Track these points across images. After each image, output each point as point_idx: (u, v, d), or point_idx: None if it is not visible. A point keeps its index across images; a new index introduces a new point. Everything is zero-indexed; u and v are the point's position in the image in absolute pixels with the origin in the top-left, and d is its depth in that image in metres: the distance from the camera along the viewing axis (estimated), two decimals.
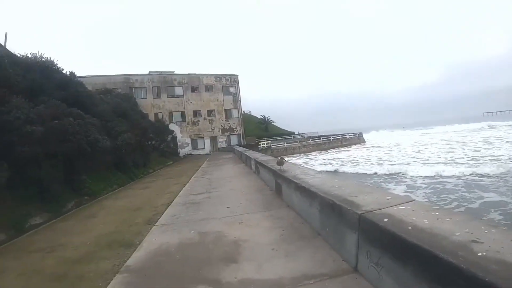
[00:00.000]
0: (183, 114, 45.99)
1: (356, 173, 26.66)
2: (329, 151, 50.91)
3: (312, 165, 32.89)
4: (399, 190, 17.53)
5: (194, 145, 45.93)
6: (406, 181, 20.21)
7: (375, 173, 24.80)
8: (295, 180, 5.67)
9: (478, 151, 32.59)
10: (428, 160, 29.72)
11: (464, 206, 13.64)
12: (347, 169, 29.10)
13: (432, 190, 17.19)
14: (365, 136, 67.44)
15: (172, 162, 30.08)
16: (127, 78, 43.16)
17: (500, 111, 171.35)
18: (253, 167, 13.13)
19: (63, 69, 17.00)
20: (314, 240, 4.17)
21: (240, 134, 49.96)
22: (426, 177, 20.64)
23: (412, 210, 2.90)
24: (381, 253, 2.65)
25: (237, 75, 50.79)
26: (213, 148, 46.83)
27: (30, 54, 15.24)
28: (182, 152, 43.01)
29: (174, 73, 47.34)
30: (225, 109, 48.90)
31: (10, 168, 9.22)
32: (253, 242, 4.46)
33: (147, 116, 35.28)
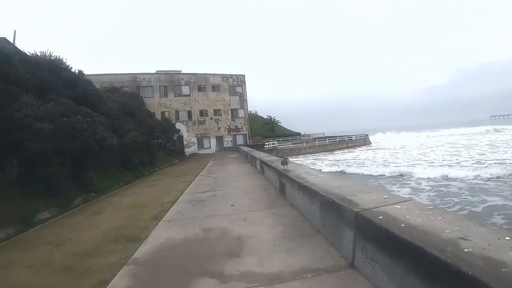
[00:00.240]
0: (189, 114, 46.24)
1: (362, 174, 26.87)
2: (334, 152, 50.86)
3: (318, 166, 33.05)
4: (403, 192, 17.58)
5: (200, 145, 46.15)
6: (410, 184, 20.24)
7: (380, 175, 24.86)
8: (297, 180, 5.82)
9: (483, 154, 32.49)
10: (433, 162, 29.67)
11: (467, 209, 13.63)
12: (352, 170, 29.23)
13: (436, 193, 17.20)
14: (371, 137, 67.25)
15: (178, 161, 30.31)
16: (134, 77, 43.46)
17: (508, 115, 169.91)
18: (258, 166, 13.27)
19: (71, 68, 17.30)
20: (315, 238, 4.31)
21: (246, 134, 50.08)
22: (430, 179, 20.67)
23: (407, 209, 3.03)
24: (375, 249, 2.79)
25: (244, 75, 50.95)
26: (219, 148, 47.01)
27: (40, 52, 15.51)
28: (188, 151, 43.25)
29: (181, 72, 47.55)
30: (231, 109, 49.07)
31: (20, 164, 9.46)
32: (255, 239, 4.63)
33: (154, 115, 35.53)
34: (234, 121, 49.24)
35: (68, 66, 16.96)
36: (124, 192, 12.79)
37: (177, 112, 45.33)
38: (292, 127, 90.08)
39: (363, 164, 33.52)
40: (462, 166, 25.72)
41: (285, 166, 7.77)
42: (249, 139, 49.76)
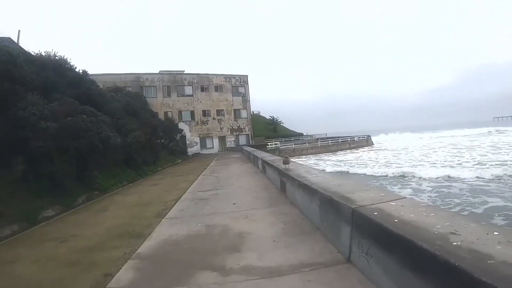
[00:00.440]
0: (192, 114, 46.41)
1: (364, 174, 27.19)
2: (337, 153, 50.99)
3: (321, 166, 33.22)
4: (404, 193, 17.61)
5: (203, 145, 46.28)
6: (411, 184, 20.34)
7: (382, 176, 24.99)
8: (298, 178, 5.94)
9: (485, 155, 32.52)
10: (435, 163, 29.69)
11: (468, 210, 13.68)
12: (355, 170, 29.61)
13: (437, 194, 17.30)
14: (374, 138, 67.27)
15: (180, 160, 30.43)
16: (137, 77, 43.65)
17: (511, 116, 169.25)
18: (260, 166, 13.38)
19: (75, 67, 17.45)
20: (314, 234, 4.43)
21: (248, 134, 50.18)
22: (432, 180, 20.75)
23: (402, 206, 3.14)
24: (370, 244, 2.91)
25: (247, 76, 51.09)
26: (222, 148, 47.14)
27: (44, 52, 15.67)
28: (190, 151, 43.42)
29: (184, 72, 47.69)
30: (234, 109, 49.21)
31: (24, 162, 9.60)
32: (256, 235, 4.76)
33: (157, 115, 35.75)
34: (236, 121, 49.38)
35: (73, 66, 17.14)
36: (127, 191, 12.92)
37: (180, 112, 45.50)
38: (294, 128, 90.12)
39: (366, 164, 33.68)
40: (464, 167, 25.78)
41: (287, 166, 7.90)
42: (251, 139, 49.86)
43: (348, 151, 52.73)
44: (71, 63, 16.94)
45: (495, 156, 31.05)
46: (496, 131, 76.65)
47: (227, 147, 46.94)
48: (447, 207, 14.25)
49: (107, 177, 13.52)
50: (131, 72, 43.78)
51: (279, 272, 3.39)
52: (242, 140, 48.87)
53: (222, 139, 48.04)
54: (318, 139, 64.33)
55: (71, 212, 9.30)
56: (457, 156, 34.20)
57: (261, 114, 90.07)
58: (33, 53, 15.25)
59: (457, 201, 15.44)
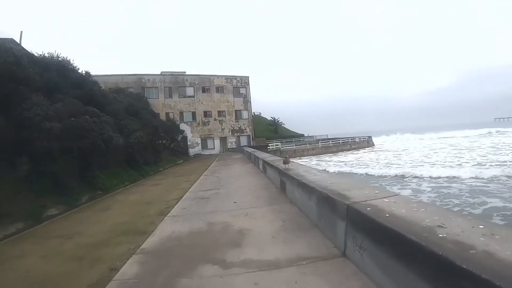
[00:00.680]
0: (193, 114, 46.61)
1: (366, 173, 27.52)
2: (338, 154, 51.11)
3: (323, 167, 33.43)
4: (403, 194, 17.71)
5: (204, 145, 46.49)
6: (411, 185, 20.43)
7: (382, 176, 25.15)
8: (297, 177, 6.11)
9: (485, 156, 32.64)
10: (434, 164, 29.80)
11: (467, 211, 13.67)
12: (355, 170, 29.83)
13: (436, 194, 17.35)
14: (374, 139, 67.37)
15: (182, 161, 30.59)
16: (139, 78, 43.88)
17: None
18: (260, 166, 13.52)
19: (78, 69, 17.59)
20: (311, 231, 4.59)
21: (249, 135, 50.37)
22: (431, 181, 20.85)
23: (394, 202, 3.29)
24: (363, 237, 3.07)
25: (248, 77, 51.29)
26: (223, 149, 47.31)
27: (48, 54, 15.83)
28: (192, 151, 43.60)
29: (186, 73, 47.93)
30: (235, 110, 49.41)
31: (29, 162, 9.76)
32: (256, 231, 4.93)
33: (158, 116, 35.84)
34: (238, 122, 49.57)
35: (75, 67, 17.27)
36: (129, 191, 13.10)
37: (181, 113, 45.71)
38: (295, 129, 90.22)
39: (366, 165, 33.88)
40: (463, 167, 25.90)
41: (286, 165, 8.06)
42: (252, 140, 50.04)
43: (349, 152, 52.82)
44: (74, 64, 17.10)
45: (495, 157, 31.14)
46: (496, 132, 76.71)
47: (228, 148, 47.13)
48: (446, 207, 14.32)
49: (109, 177, 13.68)
50: (133, 73, 44.06)
51: (277, 265, 3.56)
52: (243, 141, 49.06)
53: (223, 140, 48.22)
54: (319, 140, 64.47)
55: (74, 211, 9.46)
56: (457, 156, 34.38)
57: (262, 115, 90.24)
58: (36, 54, 15.40)
59: (456, 201, 15.48)
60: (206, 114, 47.30)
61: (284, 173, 7.58)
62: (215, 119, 47.77)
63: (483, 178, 20.16)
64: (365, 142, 62.49)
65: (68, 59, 16.67)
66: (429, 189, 18.76)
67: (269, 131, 75.67)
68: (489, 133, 76.20)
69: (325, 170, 31.36)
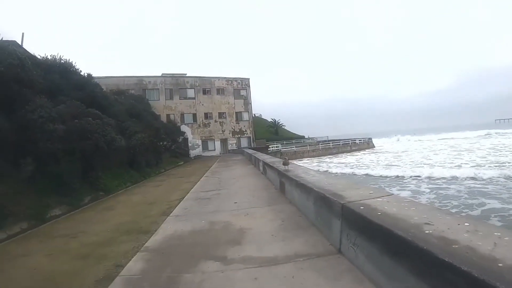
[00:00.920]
0: (194, 116, 46.79)
1: (366, 174, 27.85)
2: (338, 155, 51.27)
3: (324, 168, 33.69)
4: (403, 195, 17.83)
5: (205, 147, 46.65)
6: (410, 186, 20.57)
7: (381, 177, 25.34)
8: (295, 178, 6.29)
9: (484, 157, 32.83)
10: (434, 166, 29.97)
11: (465, 212, 13.77)
12: (355, 171, 30.14)
13: (435, 195, 17.50)
14: (375, 141, 67.58)
15: (183, 162, 30.71)
16: (140, 79, 44.10)
17: None
18: (261, 168, 13.67)
19: (80, 71, 17.78)
20: (309, 229, 4.77)
21: (250, 137, 50.52)
22: (430, 182, 21.01)
23: (387, 201, 3.47)
24: (357, 235, 3.25)
25: (248, 79, 51.50)
26: (223, 150, 47.45)
27: (50, 56, 16.04)
28: (192, 153, 43.72)
29: (186, 75, 48.11)
30: (235, 112, 49.59)
31: (33, 163, 9.91)
32: (255, 230, 5.12)
33: (159, 117, 36.02)
34: (238, 124, 49.74)
35: (77, 69, 17.46)
36: (132, 191, 13.25)
37: (182, 114, 45.87)
38: (296, 130, 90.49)
39: (367, 166, 34.14)
40: (462, 168, 26.10)
41: (286, 167, 8.23)
42: (253, 142, 50.16)
43: (349, 153, 52.99)
44: (76, 67, 17.29)
45: (494, 158, 31.36)
46: (495, 133, 76.90)
47: (228, 150, 47.28)
48: (444, 209, 14.39)
49: (111, 178, 13.83)
50: (134, 75, 44.30)
51: (275, 261, 3.74)
52: (244, 142, 49.21)
53: (224, 141, 48.38)
54: (319, 141, 64.61)
55: (77, 211, 9.59)
56: (457, 158, 34.62)
57: (262, 117, 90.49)
58: (39, 57, 15.59)
59: (455, 203, 15.58)
60: (206, 115, 47.47)
61: (284, 174, 7.75)
62: (215, 121, 47.95)
63: (482, 179, 20.33)
64: (365, 144, 62.71)
65: (70, 61, 16.87)
66: (428, 190, 18.92)
67: (269, 133, 75.90)
68: (488, 134, 76.51)
69: (327, 171, 31.68)
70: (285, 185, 7.56)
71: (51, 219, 8.45)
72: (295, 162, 33.89)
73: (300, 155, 50.29)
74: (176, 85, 46.07)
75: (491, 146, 44.47)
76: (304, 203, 5.57)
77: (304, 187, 5.52)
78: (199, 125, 46.80)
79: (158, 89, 44.92)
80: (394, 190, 19.53)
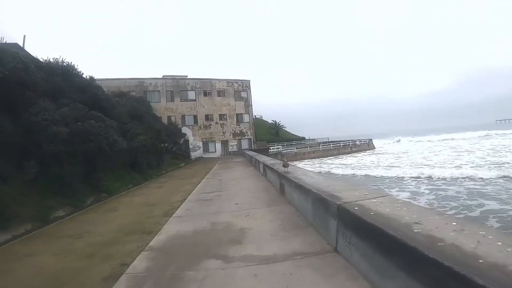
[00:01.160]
0: (195, 118, 46.94)
1: (366, 174, 28.15)
2: (339, 156, 51.38)
3: (326, 169, 33.87)
4: (402, 196, 17.94)
5: (206, 149, 46.79)
6: (410, 188, 20.70)
7: (381, 178, 25.49)
8: (295, 180, 6.47)
9: (484, 158, 33.01)
10: (434, 166, 30.11)
11: (464, 213, 13.86)
12: (357, 172, 30.19)
13: (434, 196, 17.61)
14: (375, 141, 67.71)
15: (184, 164, 30.87)
16: (141, 81, 44.28)
17: None
18: (261, 169, 13.84)
19: (82, 73, 17.96)
20: (307, 229, 4.95)
21: (251, 138, 50.62)
22: (430, 183, 21.14)
23: (381, 202, 3.63)
24: (352, 234, 3.41)
25: (249, 81, 51.65)
26: (224, 152, 47.58)
27: (53, 59, 16.20)
28: (193, 155, 43.91)
29: (187, 77, 48.24)
30: (236, 114, 49.71)
31: (37, 165, 10.05)
32: (256, 230, 5.31)
33: (160, 119, 36.23)
34: (239, 125, 49.87)
35: (80, 72, 17.63)
36: (134, 193, 13.42)
37: (183, 116, 46.03)
38: (297, 132, 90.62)
39: (368, 167, 34.33)
40: (461, 168, 26.26)
41: (286, 169, 8.41)
42: (254, 144, 50.27)
43: (349, 155, 53.08)
44: (78, 69, 17.47)
45: (493, 159, 31.53)
46: (495, 134, 77.01)
47: (229, 151, 47.41)
48: (443, 209, 14.53)
49: (113, 180, 14.00)
50: (135, 77, 44.48)
51: (274, 259, 3.92)
52: (245, 144, 49.29)
53: (224, 143, 48.50)
54: (319, 143, 64.64)
55: (81, 213, 9.75)
56: (457, 159, 34.79)
57: (263, 119, 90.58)
58: (41, 59, 15.75)
59: (454, 204, 15.64)
60: (207, 117, 47.62)
61: (283, 176, 7.92)
62: (216, 123, 48.08)
63: (481, 180, 20.47)
64: (366, 145, 62.84)
65: (72, 64, 17.05)
66: (427, 191, 19.02)
67: (270, 134, 76.01)
68: (487, 135, 76.78)
69: (328, 172, 31.84)
70: (285, 186, 7.73)
71: (54, 220, 8.59)
72: (296, 163, 34.15)
73: (300, 157, 50.37)
74: (177, 87, 46.22)
75: (491, 147, 44.57)
76: (302, 204, 5.75)
77: (302, 189, 5.69)
78: (200, 127, 46.94)
79: (159, 91, 45.08)
80: (394, 191, 19.69)
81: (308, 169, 16.75)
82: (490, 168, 25.78)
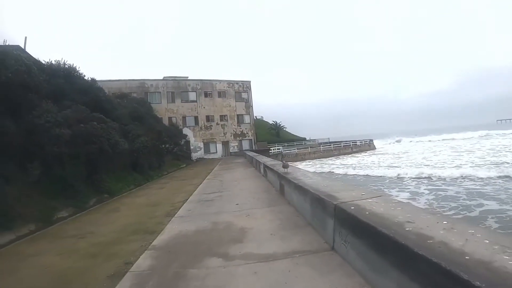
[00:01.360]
0: (196, 119, 47.07)
1: (367, 175, 28.25)
2: (340, 157, 51.40)
3: (327, 170, 34.03)
4: (402, 196, 17.99)
5: (207, 149, 46.90)
6: (409, 188, 20.72)
7: (381, 179, 25.57)
8: (294, 181, 6.61)
9: (484, 158, 33.14)
10: (434, 166, 30.19)
11: (463, 214, 13.82)
12: (360, 173, 30.32)
13: (434, 197, 17.64)
14: (375, 142, 67.76)
15: (185, 165, 31.02)
16: (142, 83, 44.40)
17: None
18: (261, 170, 13.96)
19: (84, 75, 18.09)
20: (306, 228, 5.10)
21: (251, 139, 50.71)
22: (429, 184, 21.22)
23: (376, 202, 3.76)
24: (347, 232, 3.56)
25: (249, 81, 51.75)
26: (225, 153, 47.69)
27: (55, 61, 16.34)
28: (194, 156, 44.02)
29: (188, 78, 48.40)
30: (237, 115, 49.81)
31: (40, 166, 10.17)
32: (256, 229, 5.46)
33: (161, 120, 36.39)
34: (239, 126, 49.96)
35: (81, 74, 17.76)
36: (135, 194, 13.58)
37: (184, 117, 46.14)
38: (297, 132, 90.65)
39: (368, 167, 34.41)
40: (461, 168, 26.39)
41: (285, 170, 8.56)
42: (254, 144, 50.37)
43: (350, 155, 53.11)
44: (80, 71, 17.60)
45: (492, 159, 31.64)
46: (496, 134, 77.10)
47: (230, 152, 47.50)
48: (442, 210, 14.61)
49: (115, 181, 14.14)
50: (136, 78, 44.55)
51: (274, 257, 4.07)
52: (245, 145, 49.39)
53: (225, 144, 48.60)
54: (320, 143, 64.62)
55: (84, 213, 9.92)
56: (457, 158, 34.92)
57: (264, 119, 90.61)
58: (43, 62, 15.87)
59: (453, 204, 15.61)
60: (208, 118, 47.73)
61: (283, 177, 8.06)
62: (217, 124, 48.19)
63: (480, 180, 20.55)
64: (367, 145, 62.85)
65: (74, 66, 17.17)
66: (427, 191, 19.05)
67: (271, 135, 76.04)
68: (487, 135, 76.98)
69: (330, 172, 31.96)
70: (285, 187, 7.87)
71: (58, 221, 8.74)
72: (297, 164, 34.27)
73: (301, 157, 50.35)
74: (178, 88, 46.36)
75: (491, 147, 44.64)
76: (301, 204, 5.89)
77: (301, 189, 5.84)
78: (201, 128, 47.08)
79: (160, 92, 45.21)
80: (394, 192, 19.75)
81: (309, 170, 16.82)
82: (489, 168, 25.82)
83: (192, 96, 47.04)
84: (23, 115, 10.03)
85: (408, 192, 19.66)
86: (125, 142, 15.17)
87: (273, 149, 50.58)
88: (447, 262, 2.02)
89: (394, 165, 34.51)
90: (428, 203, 16.54)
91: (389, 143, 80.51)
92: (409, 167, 30.68)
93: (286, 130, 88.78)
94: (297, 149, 55.48)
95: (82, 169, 11.88)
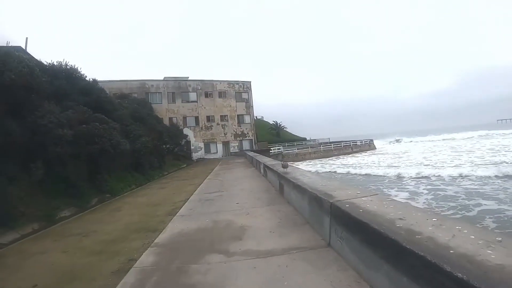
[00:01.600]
0: (196, 119, 47.24)
1: (367, 174, 28.45)
2: (340, 157, 51.50)
3: (327, 170, 34.19)
4: (401, 196, 18.09)
5: (207, 150, 47.06)
6: (409, 188, 20.84)
7: (380, 179, 25.70)
8: (293, 180, 6.77)
9: (483, 157, 33.33)
10: (434, 166, 30.32)
11: (461, 214, 13.89)
12: (357, 172, 30.47)
13: (433, 196, 17.76)
14: (376, 142, 67.87)
15: (185, 165, 31.15)
16: (143, 83, 44.59)
17: None
18: (261, 170, 14.11)
19: (86, 76, 18.21)
20: (304, 226, 5.26)
21: (252, 139, 50.84)
22: (429, 183, 21.34)
23: (371, 200, 3.92)
24: (342, 229, 3.73)
25: (250, 82, 51.89)
26: (226, 153, 47.84)
27: (56, 62, 16.47)
28: (195, 156, 44.22)
29: (188, 79, 48.56)
30: (237, 115, 49.95)
31: (44, 166, 10.30)
32: (255, 227, 5.63)
33: (162, 121, 36.43)
34: (240, 126, 50.09)
35: (83, 75, 17.88)
36: (137, 193, 13.72)
37: (184, 117, 46.30)
38: (298, 132, 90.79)
39: (369, 166, 34.58)
40: (459, 167, 26.52)
41: (285, 169, 8.71)
42: (255, 144, 50.51)
43: (350, 155, 53.22)
44: (81, 72, 17.72)
45: (492, 158, 31.81)
46: (496, 134, 77.28)
47: (230, 152, 47.64)
48: (441, 209, 14.70)
49: (117, 181, 14.28)
50: (136, 78, 44.86)
51: (272, 253, 4.23)
52: (246, 145, 49.54)
53: (226, 144, 48.74)
54: (320, 143, 64.69)
55: (86, 213, 10.06)
56: (456, 158, 35.09)
57: (264, 119, 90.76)
58: (45, 63, 16.00)
59: (452, 204, 15.67)
60: (209, 118, 47.89)
61: (282, 176, 8.21)
62: (217, 124, 48.36)
63: (479, 179, 20.68)
64: (367, 145, 62.95)
65: (75, 67, 17.29)
66: (426, 191, 19.16)
67: (271, 135, 76.16)
68: (487, 134, 77.20)
69: (330, 171, 32.10)
70: (284, 186, 8.03)
71: (60, 220, 8.87)
72: (297, 164, 34.40)
73: (302, 157, 50.42)
74: (178, 88, 46.55)
75: (491, 147, 44.80)
76: (300, 203, 6.06)
77: (300, 188, 6.01)
78: (202, 128, 47.24)
79: (161, 92, 45.40)
80: (393, 191, 19.86)
81: (310, 169, 16.91)
82: (488, 167, 25.94)
83: (192, 96, 47.22)
84: (26, 116, 10.15)
85: (407, 191, 19.76)
86: (127, 142, 15.28)
87: (274, 149, 50.66)
88: (432, 256, 2.17)
89: (394, 165, 34.63)
90: (427, 203, 16.62)
91: (389, 143, 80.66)
92: (409, 166, 30.86)
93: (287, 130, 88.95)
94: (297, 149, 55.53)
95: (84, 169, 12.02)
